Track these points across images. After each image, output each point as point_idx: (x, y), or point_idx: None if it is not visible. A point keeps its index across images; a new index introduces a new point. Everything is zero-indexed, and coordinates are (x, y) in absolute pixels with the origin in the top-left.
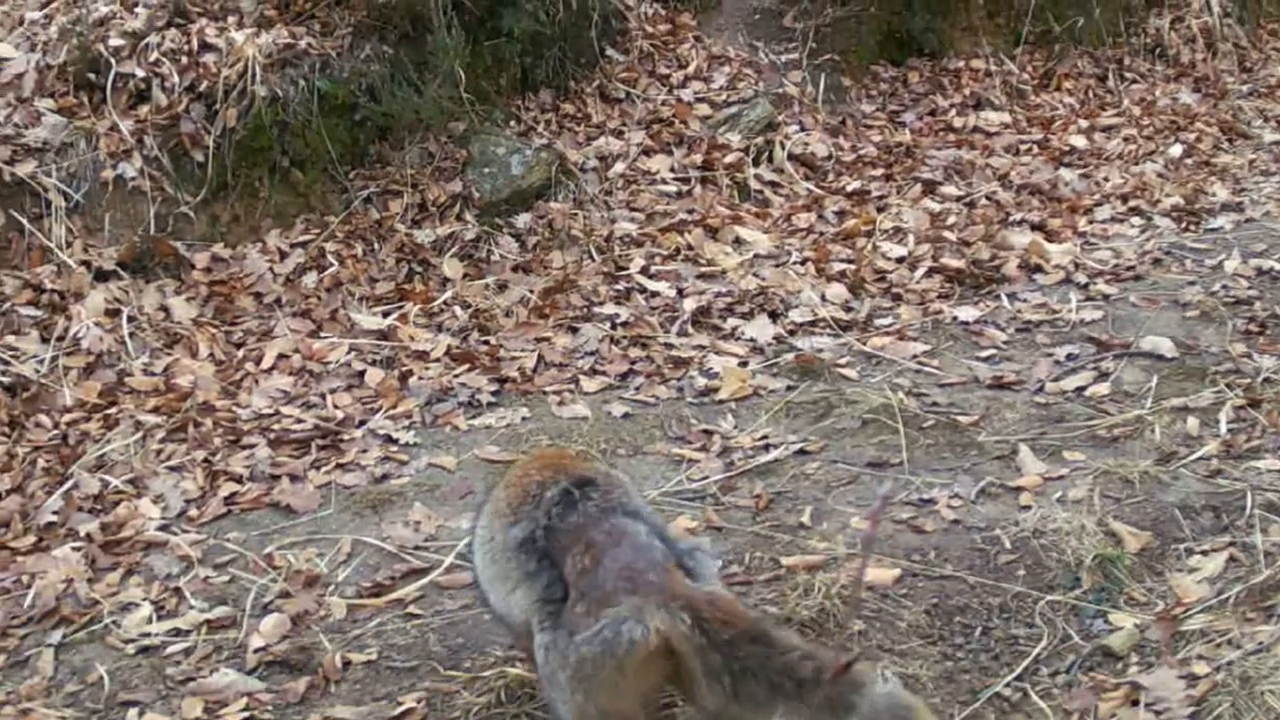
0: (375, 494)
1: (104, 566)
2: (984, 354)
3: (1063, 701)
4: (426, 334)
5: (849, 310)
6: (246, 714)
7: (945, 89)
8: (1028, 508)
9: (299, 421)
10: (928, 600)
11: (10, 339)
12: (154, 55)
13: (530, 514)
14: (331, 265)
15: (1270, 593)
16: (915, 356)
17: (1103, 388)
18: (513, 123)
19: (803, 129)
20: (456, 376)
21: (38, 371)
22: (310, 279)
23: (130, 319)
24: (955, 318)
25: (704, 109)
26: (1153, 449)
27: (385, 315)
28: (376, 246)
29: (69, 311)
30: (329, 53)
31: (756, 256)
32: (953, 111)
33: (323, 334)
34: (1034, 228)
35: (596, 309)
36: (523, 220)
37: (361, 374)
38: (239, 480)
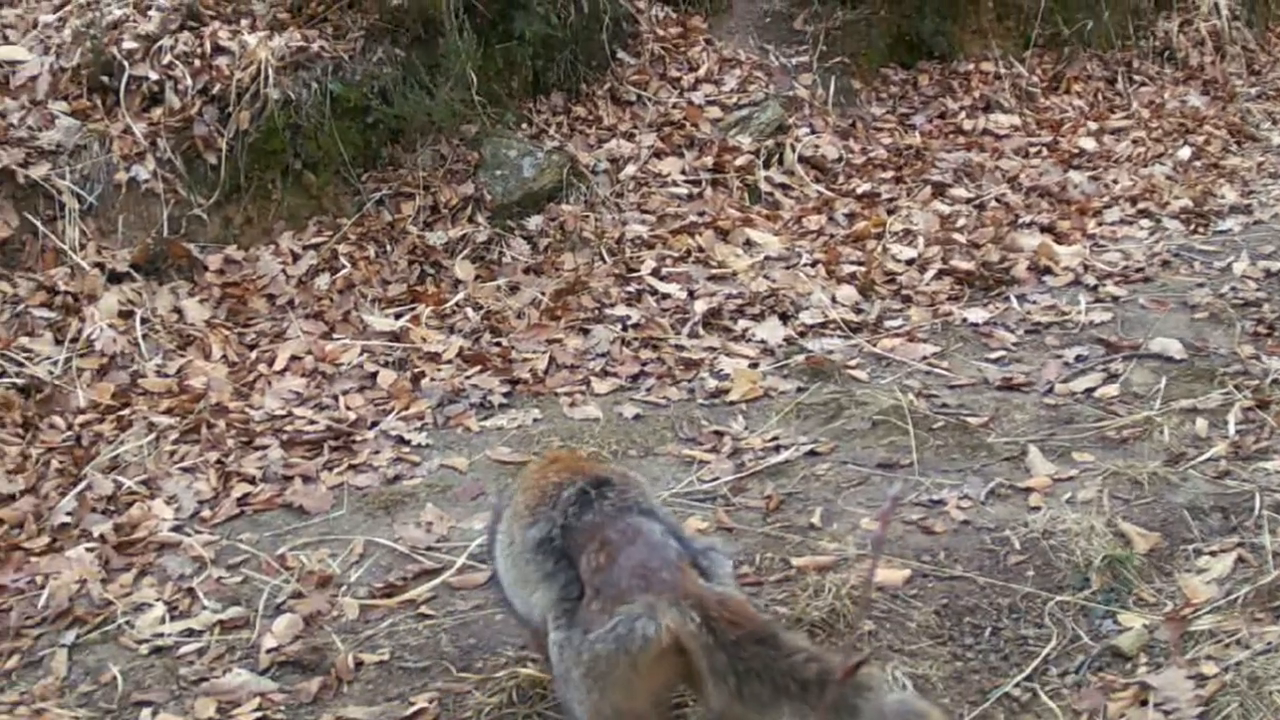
0: (387, 495)
1: (117, 567)
2: (993, 355)
3: (1072, 702)
4: (438, 336)
5: (859, 312)
6: (259, 714)
7: (955, 92)
8: (1037, 509)
9: (311, 423)
10: (937, 601)
11: (24, 340)
12: (167, 58)
13: (547, 514)
14: (344, 267)
15: (1278, 593)
16: (925, 358)
17: (1112, 389)
18: (524, 125)
19: (813, 131)
20: (468, 378)
21: (51, 373)
22: (323, 281)
23: (143, 321)
24: (965, 319)
25: (715, 112)
26: (1161, 450)
27: (397, 317)
28: (389, 248)
29: (82, 313)
30: (341, 56)
31: (767, 258)
32: (962, 114)
33: (335, 336)
34: (1043, 230)
35: (608, 311)
36: (534, 222)
37: (374, 375)
38: (252, 481)
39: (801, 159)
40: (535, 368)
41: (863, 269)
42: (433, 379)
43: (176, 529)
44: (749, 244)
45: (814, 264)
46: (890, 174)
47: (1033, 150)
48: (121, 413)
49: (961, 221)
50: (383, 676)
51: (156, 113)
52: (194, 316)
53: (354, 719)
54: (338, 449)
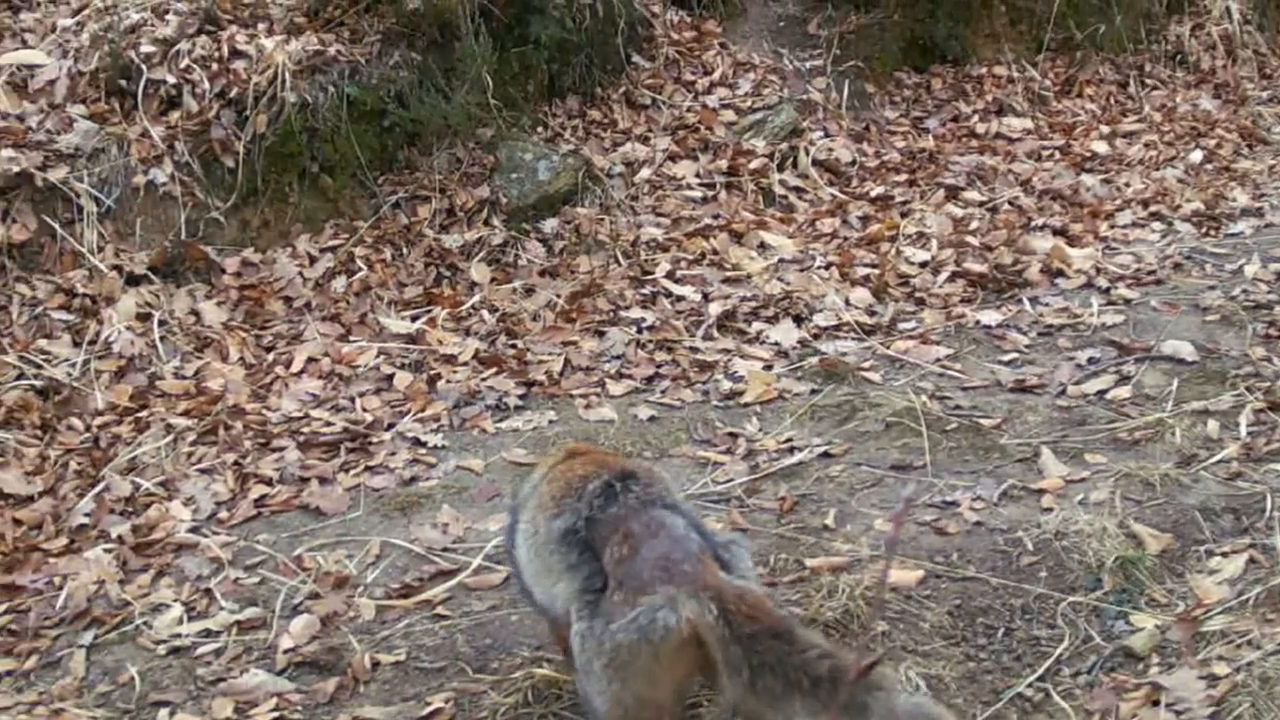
0: (404, 496)
1: (135, 568)
2: (1006, 358)
3: (1084, 702)
4: (454, 338)
5: (872, 314)
6: (276, 714)
7: (968, 95)
8: (1050, 510)
9: (328, 424)
10: (951, 601)
11: (42, 343)
12: (185, 62)
13: (573, 506)
14: (360, 270)
15: None
16: (938, 360)
17: (1124, 391)
18: (540, 129)
19: (827, 135)
20: (484, 380)
21: (70, 375)
22: (339, 283)
23: (161, 323)
24: (978, 322)
25: (729, 115)
26: (1173, 452)
27: (414, 319)
28: (405, 251)
29: (100, 315)
30: (358, 59)
31: (781, 261)
32: (975, 117)
33: (352, 338)
34: (1056, 233)
35: (623, 313)
36: (550, 225)
37: (390, 377)
38: (269, 483)
39: (815, 162)
40: (551, 370)
41: (876, 272)
42: (449, 381)
43: (194, 530)
44: (763, 247)
45: (828, 267)
46: (904, 177)
47: (1045, 153)
48: (139, 414)
49: (974, 224)
50: (399, 677)
51: (174, 116)
52: (211, 319)
53: (370, 719)
54: (354, 450)
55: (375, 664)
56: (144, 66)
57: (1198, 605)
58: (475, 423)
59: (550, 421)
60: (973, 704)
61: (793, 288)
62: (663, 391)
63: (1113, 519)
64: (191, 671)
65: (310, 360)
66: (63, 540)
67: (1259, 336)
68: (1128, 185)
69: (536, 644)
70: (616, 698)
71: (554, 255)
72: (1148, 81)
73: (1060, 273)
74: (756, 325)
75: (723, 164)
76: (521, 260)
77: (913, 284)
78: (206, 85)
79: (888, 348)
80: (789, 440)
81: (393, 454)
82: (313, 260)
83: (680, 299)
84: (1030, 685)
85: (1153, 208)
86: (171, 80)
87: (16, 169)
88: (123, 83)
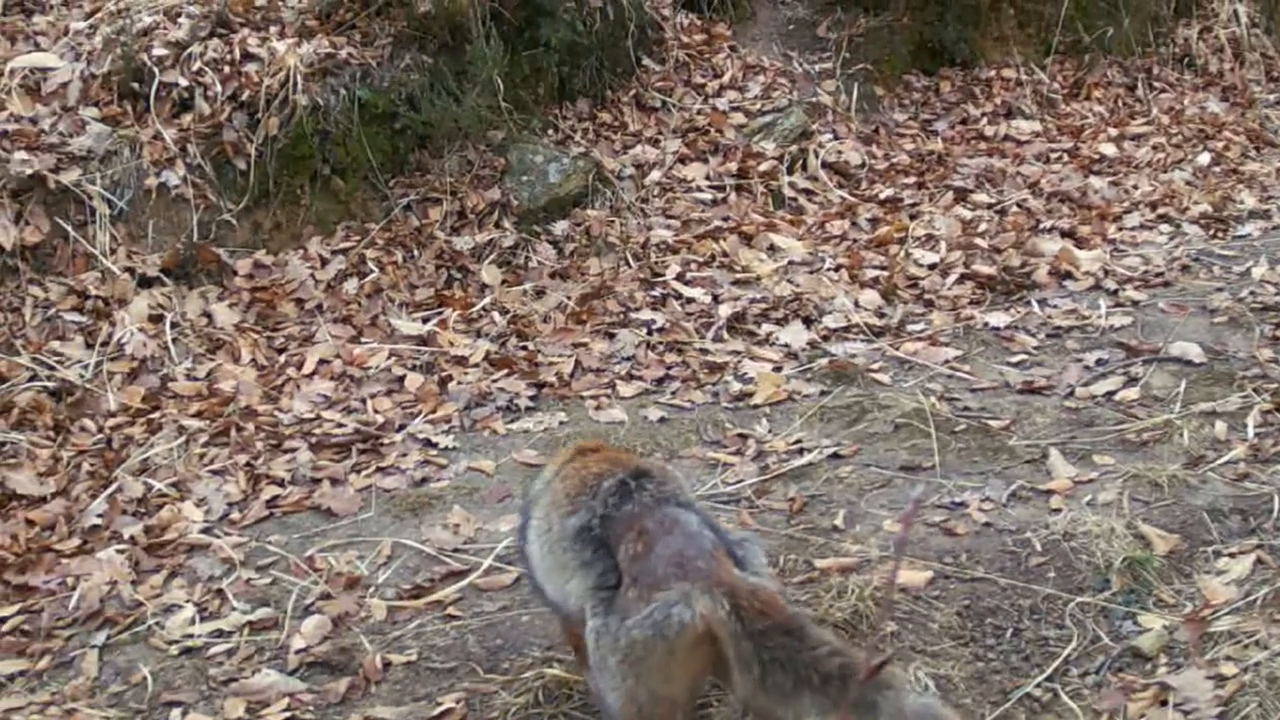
0: (415, 497)
1: (147, 569)
2: (1015, 359)
3: (1092, 702)
4: (465, 339)
5: (882, 316)
6: (288, 714)
7: (977, 98)
8: (1058, 511)
9: (340, 426)
10: (959, 602)
11: (55, 344)
12: (197, 65)
13: (587, 504)
14: (372, 272)
15: None
16: (947, 362)
17: (1132, 392)
18: (550, 131)
19: (836, 137)
20: (495, 381)
21: (82, 376)
22: (351, 285)
23: (173, 325)
24: (986, 323)
25: (739, 118)
26: (1181, 453)
27: (425, 321)
28: (416, 253)
29: (113, 317)
30: (369, 62)
31: (791, 263)
32: (984, 120)
33: (363, 339)
34: (1064, 235)
35: (633, 315)
36: (560, 227)
37: (401, 379)
38: (281, 484)
39: (825, 165)
40: (561, 371)
41: (885, 273)
42: (460, 382)
43: (206, 531)
44: (773, 249)
45: (837, 268)
46: (912, 179)
47: (1054, 156)
48: (151, 416)
49: (983, 226)
50: (410, 677)
51: (186, 119)
52: (223, 321)
53: (382, 719)
54: (366, 451)
55: (387, 664)
56: (156, 69)
57: (1205, 606)
58: (486, 424)
59: (561, 423)
60: (981, 704)
61: (802, 289)
62: (673, 393)
63: (1121, 520)
64: (204, 672)
65: (322, 362)
66: (75, 541)
67: (1267, 338)
68: (1136, 187)
69: (547, 644)
70: (631, 694)
71: (564, 257)
72: (1156, 84)
73: (1068, 275)
74: (766, 327)
75: (732, 166)
76: (532, 262)
77: (922, 286)
78: (219, 88)
79: (897, 349)
80: (798, 441)
81: (404, 455)
82: (324, 262)
83: (690, 301)
84: (1039, 685)
85: (1161, 210)
86: (184, 83)
87: (30, 171)
88: (135, 85)
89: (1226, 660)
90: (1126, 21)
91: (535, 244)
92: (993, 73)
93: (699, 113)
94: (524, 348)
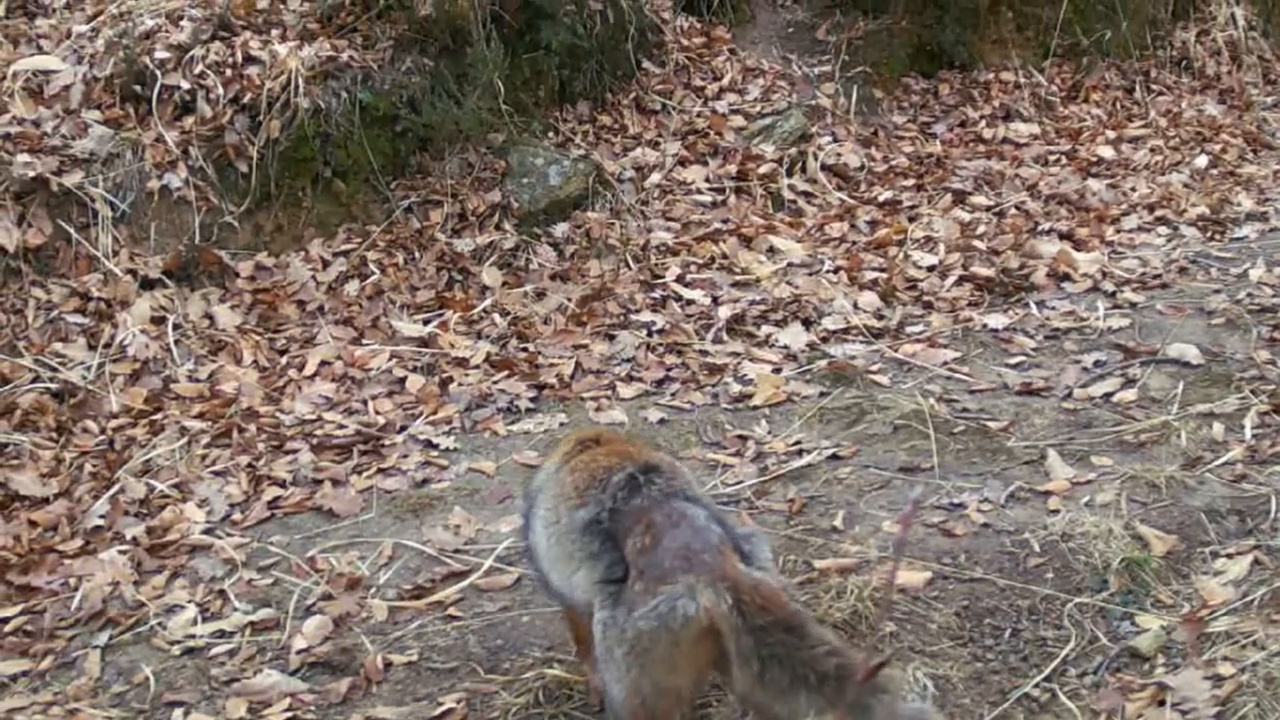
0: (416, 498)
1: (150, 569)
2: (1013, 361)
3: (1091, 702)
4: (466, 341)
5: (881, 318)
6: (289, 714)
7: (975, 101)
8: (1056, 512)
9: (341, 427)
10: (958, 602)
11: (58, 346)
12: (199, 68)
13: (596, 497)
14: (373, 274)
15: None
16: (946, 363)
17: (1130, 394)
18: (551, 134)
19: (835, 140)
20: (496, 383)
21: (85, 378)
22: (352, 287)
23: (175, 326)
24: (985, 325)
25: (738, 120)
26: (1179, 454)
27: (426, 323)
28: (417, 255)
29: (115, 319)
30: (370, 65)
31: (790, 265)
32: (982, 123)
33: (364, 341)
34: (1062, 237)
35: (633, 316)
36: (561, 229)
37: (402, 380)
38: (282, 485)
39: (824, 167)
40: (561, 373)
41: (884, 275)
42: (460, 384)
43: (208, 532)
44: (772, 251)
45: (836, 270)
46: (911, 182)
47: (1052, 158)
48: (154, 417)
49: (981, 229)
50: (411, 677)
51: (188, 121)
52: (225, 322)
53: (383, 719)
54: (367, 453)
55: (388, 664)
56: (158, 72)
57: (1203, 606)
58: (487, 425)
59: (561, 424)
60: (980, 704)
61: (801, 291)
62: (672, 394)
63: (1119, 521)
64: (205, 672)
65: (323, 363)
66: (78, 542)
67: (1264, 340)
68: (1133, 190)
69: (548, 645)
70: (635, 685)
71: (565, 259)
72: (1153, 87)
73: (1067, 277)
74: (765, 329)
75: (732, 169)
76: (533, 264)
77: (920, 288)
78: (220, 91)
79: (896, 351)
80: (798, 443)
81: (405, 456)
82: (326, 264)
83: (690, 303)
84: (1037, 685)
85: (1158, 212)
86: (186, 86)
87: (32, 174)
88: (137, 88)
89: (1224, 660)
90: (1124, 25)
91: (536, 246)
92: (991, 75)
93: (699, 115)
94: (524, 349)
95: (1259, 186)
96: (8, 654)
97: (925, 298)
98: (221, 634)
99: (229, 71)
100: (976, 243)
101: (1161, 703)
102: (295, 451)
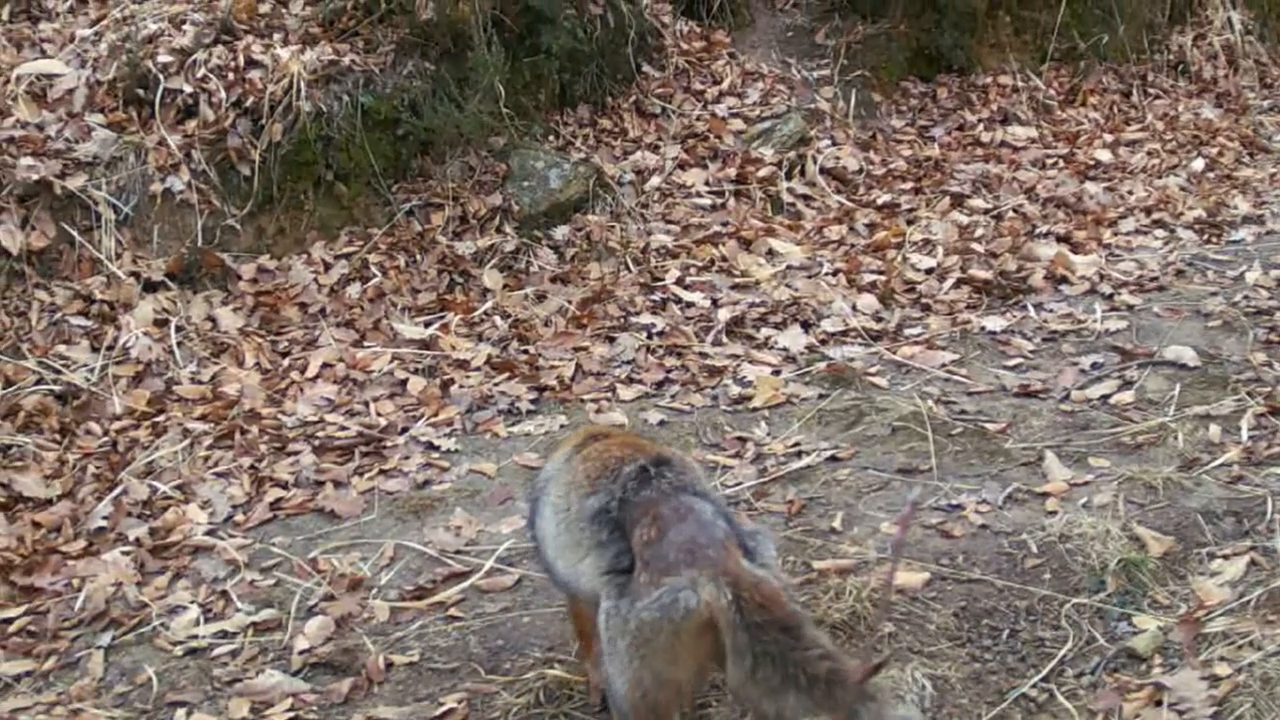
0: (417, 499)
1: (153, 570)
2: (1011, 363)
3: (1088, 702)
4: (467, 343)
5: (879, 320)
6: (292, 714)
7: (973, 104)
8: (1054, 513)
9: (343, 429)
10: (956, 603)
11: (61, 348)
12: (201, 71)
13: (607, 487)
14: (375, 276)
15: None
16: (944, 365)
17: (1127, 396)
18: (551, 137)
19: (834, 143)
20: (496, 385)
21: (88, 380)
22: (354, 290)
23: (178, 329)
24: (983, 328)
25: (738, 124)
26: (1176, 456)
27: (427, 325)
28: (418, 258)
29: (118, 321)
30: (372, 69)
31: (789, 268)
32: (980, 126)
33: (366, 343)
34: (1060, 240)
35: (633, 319)
36: (561, 232)
37: (404, 382)
38: (284, 486)
39: (823, 170)
40: (562, 375)
41: (883, 278)
42: (462, 386)
43: (210, 533)
44: (771, 253)
45: (835, 273)
46: (910, 185)
47: (1049, 162)
48: (156, 419)
49: (979, 231)
50: (413, 677)
51: (191, 125)
52: (228, 325)
53: (385, 719)
54: (368, 454)
55: (389, 665)
56: (161, 76)
57: (1199, 607)
58: (488, 427)
59: (562, 426)
60: (978, 704)
61: (800, 294)
62: (672, 396)
63: (1116, 522)
64: (208, 672)
65: (325, 365)
66: (81, 543)
67: (1260, 342)
68: (1130, 193)
69: (548, 645)
70: (637, 677)
71: (565, 262)
72: (1150, 91)
73: (1064, 279)
74: (765, 331)
75: (731, 172)
76: (533, 267)
77: (919, 290)
78: (223, 94)
79: (894, 353)
80: (797, 444)
81: (406, 458)
82: (328, 267)
83: (690, 305)
84: (1035, 686)
85: (1155, 215)
86: (188, 89)
87: (36, 177)
88: (140, 92)
89: (1221, 661)
90: (1121, 29)
91: (536, 249)
92: (989, 79)
93: (698, 119)
94: (525, 351)
95: (1255, 190)
96: (11, 654)
97: (923, 300)
98: (224, 634)
99: (231, 75)
100: (974, 245)
101: (1158, 703)
102: (297, 453)
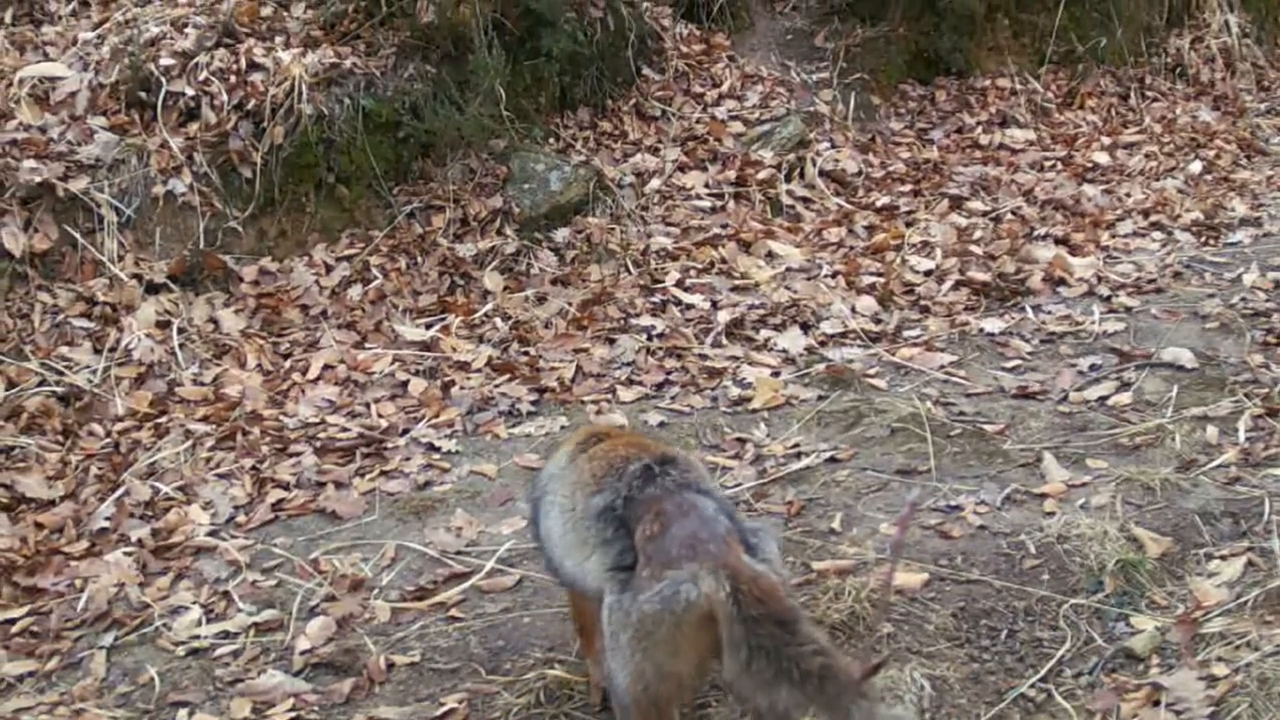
0: (418, 500)
1: (155, 571)
2: (1009, 364)
3: (1086, 702)
4: (468, 345)
5: (878, 322)
6: (293, 714)
7: (972, 107)
8: (1052, 514)
9: (344, 430)
10: (955, 604)
11: (64, 350)
12: (203, 74)
13: (613, 485)
14: (376, 278)
15: None
16: (942, 367)
17: (1125, 397)
18: (552, 140)
19: (833, 146)
20: (497, 386)
21: (90, 381)
22: (355, 292)
23: (180, 331)
24: (981, 329)
25: (737, 126)
26: (1173, 457)
27: (428, 327)
28: (419, 260)
29: (121, 323)
30: (373, 72)
31: (788, 270)
32: (979, 129)
33: (367, 345)
34: (1058, 242)
35: (633, 321)
36: (561, 235)
37: (405, 384)
38: (286, 487)
39: (822, 173)
40: (562, 376)
41: (882, 280)
42: (462, 387)
43: (212, 534)
44: (771, 256)
45: (834, 275)
46: (909, 187)
47: (1047, 164)
48: (159, 420)
49: (978, 234)
50: (414, 678)
51: (193, 127)
52: (229, 326)
53: (386, 719)
54: (370, 456)
55: (390, 665)
56: (163, 79)
57: (1197, 607)
58: (488, 428)
59: (562, 427)
60: (976, 704)
61: (800, 296)
62: (672, 398)
63: (1114, 523)
64: (210, 672)
65: (327, 367)
66: (83, 544)
67: (1257, 344)
68: (1128, 195)
69: (549, 645)
70: (639, 669)
71: (566, 264)
72: (1148, 93)
73: (1062, 281)
74: (764, 333)
75: (731, 174)
76: (534, 269)
77: (917, 292)
78: (225, 97)
79: (893, 355)
80: (796, 445)
81: (407, 459)
82: (329, 269)
83: (689, 307)
84: (1033, 686)
85: (1153, 217)
86: (190, 92)
87: (38, 179)
88: (142, 95)
89: (1218, 661)
90: (1119, 32)
91: (537, 251)
92: (988, 82)
93: (698, 121)
94: (526, 353)
95: (1252, 192)
96: (14, 655)
97: (922, 302)
98: (226, 635)
99: (233, 78)
100: (973, 248)
101: (1156, 703)
102: (299, 454)
